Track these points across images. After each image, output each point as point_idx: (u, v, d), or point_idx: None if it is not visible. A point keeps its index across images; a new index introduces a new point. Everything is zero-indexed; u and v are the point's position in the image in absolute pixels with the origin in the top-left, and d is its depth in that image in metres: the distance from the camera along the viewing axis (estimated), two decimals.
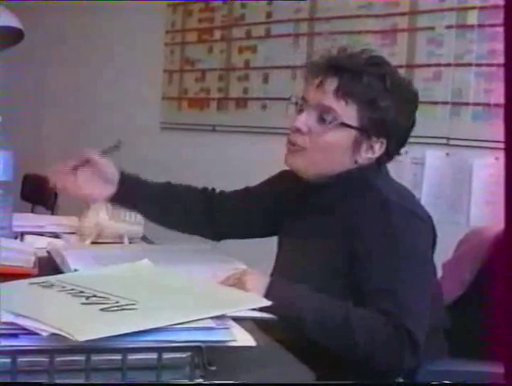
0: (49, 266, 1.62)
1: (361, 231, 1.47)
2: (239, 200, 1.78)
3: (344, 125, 1.50)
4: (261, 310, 1.21)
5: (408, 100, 1.57)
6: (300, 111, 1.56)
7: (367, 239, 1.45)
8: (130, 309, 1.07)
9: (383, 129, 1.53)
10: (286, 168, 1.63)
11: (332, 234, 1.52)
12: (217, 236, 1.81)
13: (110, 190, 1.64)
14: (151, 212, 1.70)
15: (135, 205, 1.69)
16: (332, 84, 1.51)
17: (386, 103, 1.50)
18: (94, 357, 0.95)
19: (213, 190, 1.82)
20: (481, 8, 2.71)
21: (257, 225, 1.77)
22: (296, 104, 1.58)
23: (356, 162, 1.54)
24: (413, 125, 1.59)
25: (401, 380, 1.39)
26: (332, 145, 1.52)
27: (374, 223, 1.46)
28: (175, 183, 1.78)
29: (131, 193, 1.66)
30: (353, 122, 1.51)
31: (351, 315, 1.36)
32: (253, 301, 1.24)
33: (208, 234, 1.80)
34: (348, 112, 1.50)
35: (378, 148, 1.54)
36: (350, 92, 1.50)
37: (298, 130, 1.53)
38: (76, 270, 1.54)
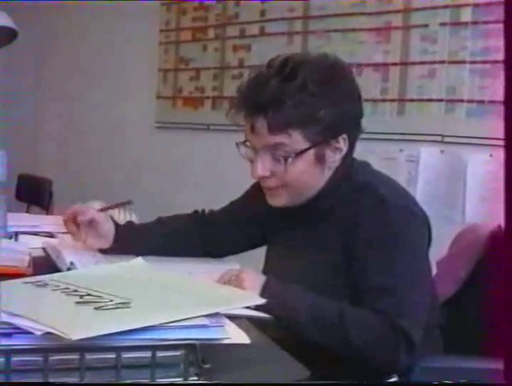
0: (44, 266, 1.62)
1: (359, 230, 1.45)
2: (231, 214, 1.79)
3: (300, 152, 1.44)
4: (256, 308, 1.21)
5: (341, 83, 1.48)
6: (253, 150, 1.50)
7: (366, 238, 1.44)
8: (124, 307, 1.06)
9: (337, 129, 1.47)
10: None
11: (330, 235, 1.51)
12: (216, 253, 1.80)
13: (106, 244, 1.71)
14: (151, 251, 1.69)
15: (133, 252, 1.65)
16: (262, 125, 1.43)
17: (324, 108, 1.42)
18: (88, 356, 0.95)
19: (203, 211, 1.85)
20: (475, 5, 2.71)
21: (254, 236, 1.75)
22: (246, 144, 1.53)
23: (330, 167, 1.50)
24: (360, 97, 1.51)
25: (398, 380, 1.39)
26: (302, 174, 1.47)
27: (373, 223, 1.45)
28: (165, 217, 1.83)
29: (127, 244, 1.71)
30: (306, 144, 1.44)
31: (346, 314, 1.36)
32: (247, 299, 1.24)
33: (207, 253, 1.79)
34: (295, 139, 1.43)
35: (343, 144, 1.48)
36: (283, 124, 1.42)
37: (263, 177, 1.50)
38: (71, 263, 1.54)
